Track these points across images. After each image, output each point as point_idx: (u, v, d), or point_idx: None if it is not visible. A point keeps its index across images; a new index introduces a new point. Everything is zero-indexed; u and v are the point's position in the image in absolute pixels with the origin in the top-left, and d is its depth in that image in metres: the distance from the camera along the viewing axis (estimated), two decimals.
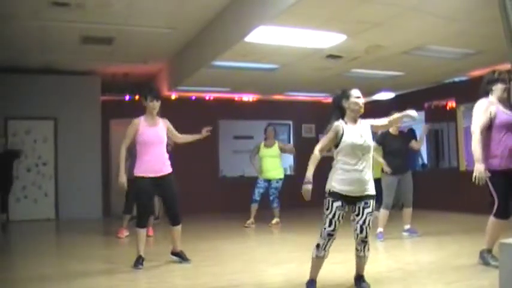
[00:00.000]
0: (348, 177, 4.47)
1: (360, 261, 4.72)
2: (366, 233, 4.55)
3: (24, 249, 8.01)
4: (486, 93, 5.59)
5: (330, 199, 4.47)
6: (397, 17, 6.76)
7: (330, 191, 4.50)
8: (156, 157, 6.17)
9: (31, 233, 10.09)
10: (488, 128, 5.46)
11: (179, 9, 7.90)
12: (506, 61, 3.82)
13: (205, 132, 6.62)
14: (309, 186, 4.42)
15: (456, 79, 11.51)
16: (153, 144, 6.16)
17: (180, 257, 6.38)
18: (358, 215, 4.54)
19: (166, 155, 6.30)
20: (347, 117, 4.63)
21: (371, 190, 4.58)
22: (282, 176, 10.40)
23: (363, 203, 4.54)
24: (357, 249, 4.66)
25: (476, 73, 10.33)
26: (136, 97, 12.75)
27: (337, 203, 4.45)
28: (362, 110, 4.64)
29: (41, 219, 11.84)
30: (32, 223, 11.34)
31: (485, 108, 5.48)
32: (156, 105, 6.24)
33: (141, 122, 6.21)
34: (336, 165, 4.58)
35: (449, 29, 7.36)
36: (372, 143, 4.64)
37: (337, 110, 4.68)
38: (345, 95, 4.65)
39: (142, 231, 6.23)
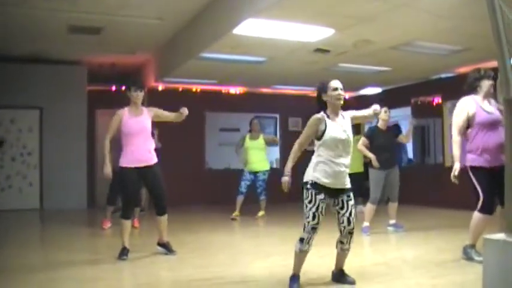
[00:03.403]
0: (330, 169, 4.48)
1: (344, 254, 4.74)
2: (353, 224, 4.60)
3: (8, 239, 7.95)
4: (473, 90, 5.65)
5: (313, 191, 4.45)
6: (385, 12, 6.76)
7: (312, 181, 4.48)
8: (140, 147, 6.17)
9: (15, 223, 10.03)
10: (471, 125, 5.52)
11: None
12: (493, 58, 3.83)
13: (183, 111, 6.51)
14: (287, 178, 4.47)
15: (443, 75, 11.57)
16: (137, 135, 6.15)
17: (166, 248, 6.39)
18: (342, 208, 4.56)
19: (152, 145, 6.31)
20: (328, 111, 4.63)
21: (349, 183, 4.64)
22: (268, 167, 10.48)
23: (345, 196, 4.58)
24: (342, 242, 4.66)
25: (463, 70, 10.38)
26: (123, 88, 12.73)
27: (320, 196, 4.45)
28: (341, 102, 4.63)
29: (25, 209, 11.75)
30: (16, 213, 11.26)
31: (461, 109, 5.59)
32: (140, 95, 6.28)
33: (124, 113, 6.22)
34: (317, 157, 4.57)
35: (437, 25, 7.38)
36: (352, 137, 4.65)
37: (320, 103, 4.68)
38: (323, 88, 4.64)
39: (127, 222, 6.21)
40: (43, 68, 12.03)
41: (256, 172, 10.33)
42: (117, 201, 8.41)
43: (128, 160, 6.13)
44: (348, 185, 4.61)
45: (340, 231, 4.62)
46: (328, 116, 4.59)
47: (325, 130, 4.51)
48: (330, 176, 4.48)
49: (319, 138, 4.53)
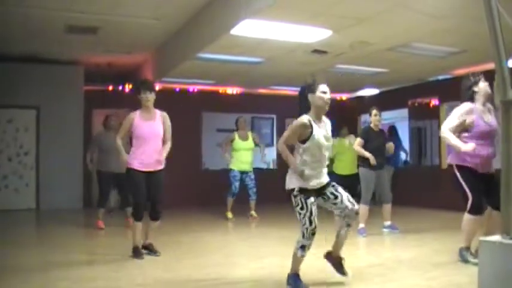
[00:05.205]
0: (313, 172, 4.49)
1: (346, 236, 4.76)
2: (355, 203, 4.66)
3: (4, 239, 7.93)
4: (470, 99, 5.59)
5: (302, 197, 4.43)
6: (383, 13, 6.77)
7: (298, 188, 4.46)
8: (150, 152, 6.11)
9: (11, 223, 10.00)
10: (465, 131, 5.49)
11: None
12: (490, 61, 3.84)
13: None
14: (302, 168, 4.43)
15: (440, 77, 11.59)
16: (148, 139, 6.10)
17: (149, 249, 6.34)
18: (336, 197, 4.59)
19: (161, 150, 6.20)
20: (311, 113, 4.51)
21: (327, 178, 4.68)
22: (252, 167, 10.48)
23: (331, 188, 4.62)
24: (348, 225, 4.67)
25: (460, 72, 10.39)
26: (120, 88, 12.73)
27: (310, 200, 4.45)
28: (327, 108, 4.52)
29: (21, 209, 11.75)
30: (13, 213, 11.24)
31: (462, 114, 5.49)
32: (150, 97, 6.17)
33: (136, 115, 6.16)
34: (300, 161, 4.49)
35: (434, 27, 7.39)
36: (331, 142, 4.68)
37: (304, 103, 4.54)
38: (311, 87, 4.50)
39: (139, 224, 6.18)
40: (40, 68, 12.01)
41: (247, 172, 10.33)
42: (108, 202, 8.43)
43: (136, 163, 6.08)
44: (327, 179, 4.65)
45: (346, 216, 4.63)
46: (313, 120, 4.48)
47: (311, 134, 4.43)
48: (314, 178, 4.50)
49: (304, 141, 4.46)
